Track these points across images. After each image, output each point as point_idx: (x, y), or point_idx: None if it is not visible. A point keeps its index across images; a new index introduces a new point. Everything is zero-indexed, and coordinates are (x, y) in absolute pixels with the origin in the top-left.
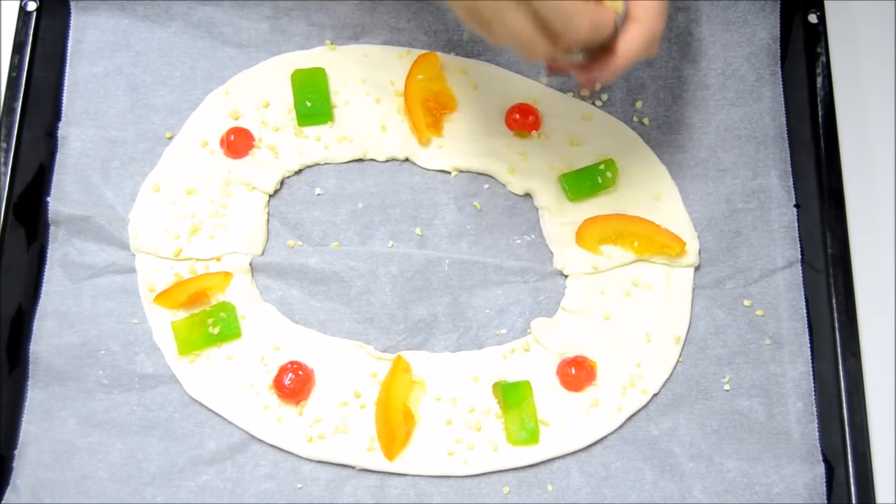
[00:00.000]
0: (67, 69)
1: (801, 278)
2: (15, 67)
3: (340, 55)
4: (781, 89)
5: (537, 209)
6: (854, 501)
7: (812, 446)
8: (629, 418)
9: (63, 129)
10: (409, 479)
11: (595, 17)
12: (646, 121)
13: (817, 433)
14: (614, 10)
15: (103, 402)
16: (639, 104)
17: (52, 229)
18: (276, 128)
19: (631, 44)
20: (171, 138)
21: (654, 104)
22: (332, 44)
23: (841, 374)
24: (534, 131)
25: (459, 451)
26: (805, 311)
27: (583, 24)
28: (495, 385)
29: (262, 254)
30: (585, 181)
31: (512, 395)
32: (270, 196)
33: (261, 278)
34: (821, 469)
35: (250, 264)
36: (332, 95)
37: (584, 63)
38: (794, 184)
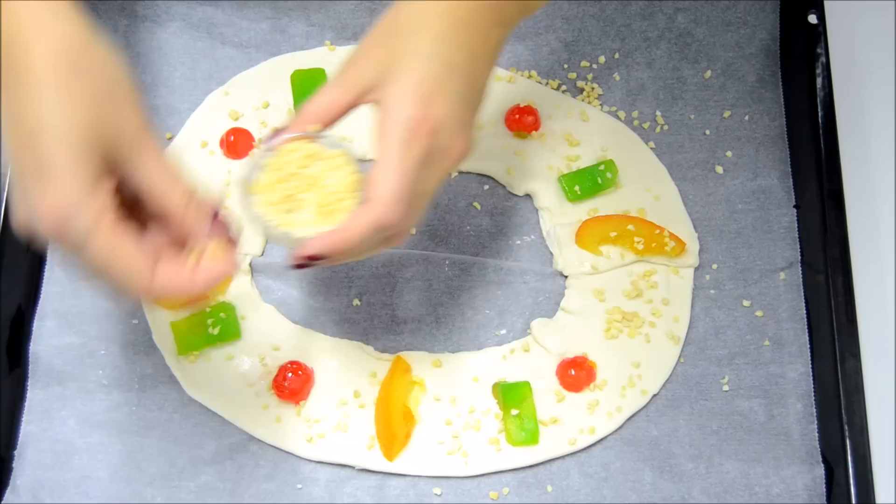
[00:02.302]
0: None
1: (801, 279)
2: None
3: (340, 55)
4: (781, 90)
5: (537, 210)
6: (854, 502)
7: (812, 447)
8: (629, 419)
9: None
10: (408, 480)
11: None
12: (646, 124)
13: (817, 434)
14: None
15: (103, 403)
16: (638, 105)
17: None
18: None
19: (355, 224)
20: (171, 139)
21: (654, 105)
22: (332, 44)
23: (840, 375)
24: (533, 132)
25: (459, 451)
26: (805, 311)
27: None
28: (495, 385)
29: (262, 254)
30: (585, 182)
31: (512, 395)
32: None
33: (261, 278)
34: (820, 470)
35: (250, 264)
36: None
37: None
38: (794, 184)
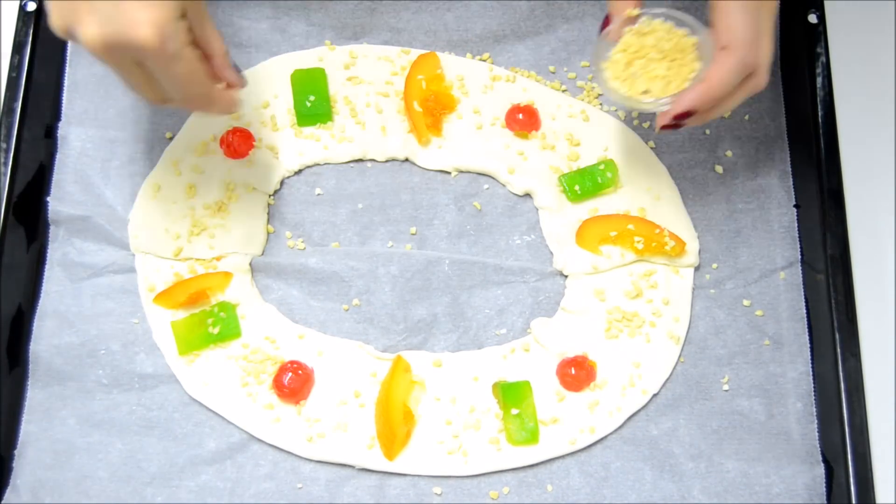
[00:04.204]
0: (67, 69)
1: (801, 278)
2: (15, 67)
3: (340, 55)
4: (781, 89)
5: (537, 209)
6: (854, 502)
7: (812, 447)
8: (629, 418)
9: (63, 129)
10: (408, 479)
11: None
12: (646, 124)
13: (817, 433)
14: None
15: (103, 402)
16: None
17: (52, 229)
18: (276, 128)
19: (720, 71)
20: (171, 138)
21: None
22: (332, 44)
23: (841, 374)
24: (534, 131)
25: (459, 451)
26: (805, 311)
27: (193, 98)
28: (495, 385)
29: (262, 254)
30: (585, 181)
31: (512, 395)
32: (270, 196)
33: (261, 278)
34: (820, 469)
35: (250, 264)
36: (331, 95)
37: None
38: (793, 184)
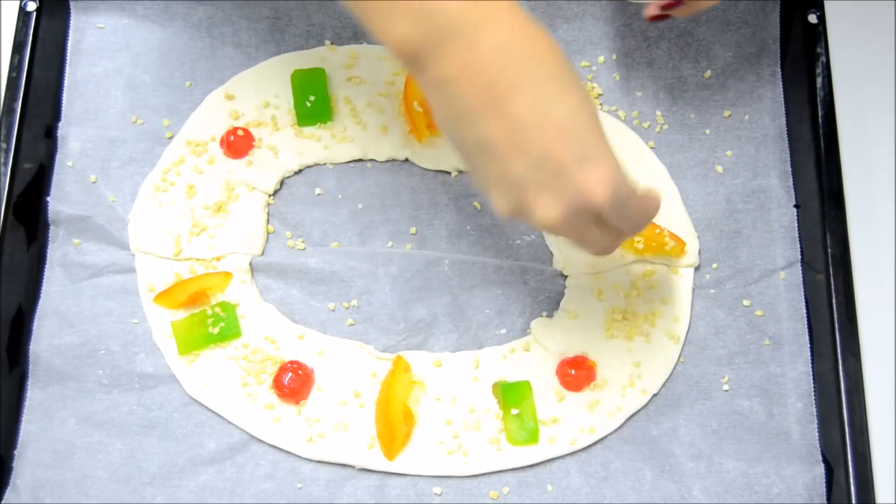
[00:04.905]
0: (67, 69)
1: (801, 278)
2: (15, 67)
3: (340, 55)
4: (781, 89)
5: None
6: (854, 502)
7: (812, 447)
8: (629, 418)
9: (63, 129)
10: (408, 479)
11: (649, 213)
12: (646, 124)
13: (817, 433)
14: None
15: (103, 402)
16: (638, 105)
17: (52, 229)
18: (276, 128)
19: None
20: (171, 138)
21: (654, 104)
22: (332, 44)
23: (841, 374)
24: None
25: (459, 451)
26: (805, 311)
27: (643, 224)
28: (495, 385)
29: (262, 254)
30: None
31: (512, 395)
32: (270, 196)
33: (261, 278)
34: (820, 469)
35: (250, 264)
36: (332, 95)
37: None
38: (794, 184)
